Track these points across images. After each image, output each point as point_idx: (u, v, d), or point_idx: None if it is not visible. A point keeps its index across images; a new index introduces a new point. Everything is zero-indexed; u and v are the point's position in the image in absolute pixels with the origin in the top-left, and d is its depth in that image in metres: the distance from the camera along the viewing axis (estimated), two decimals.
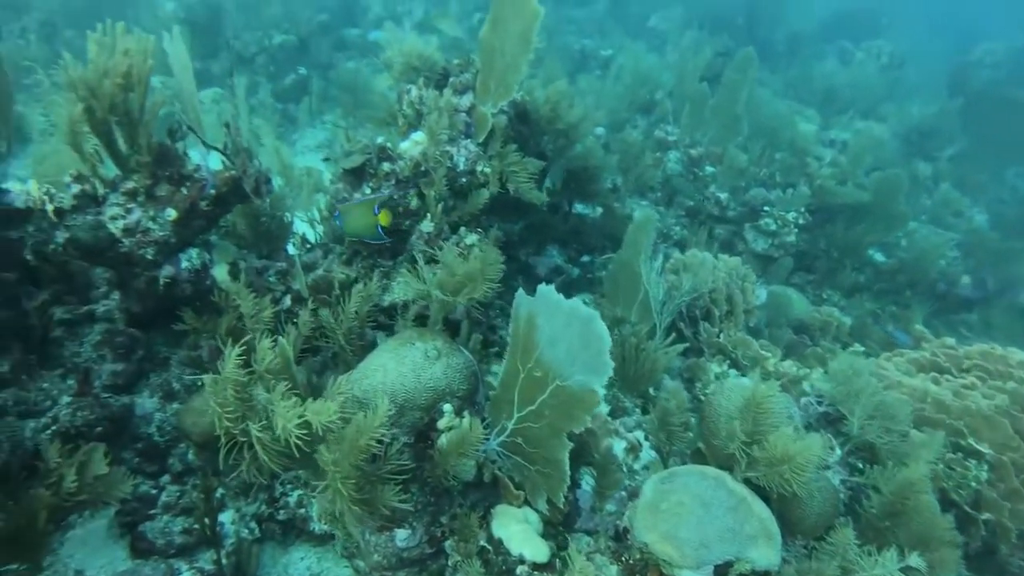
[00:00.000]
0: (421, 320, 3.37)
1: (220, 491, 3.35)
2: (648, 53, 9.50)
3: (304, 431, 2.05)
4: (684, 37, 8.31)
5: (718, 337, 4.47)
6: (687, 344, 4.26)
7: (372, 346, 3.23)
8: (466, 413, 2.68)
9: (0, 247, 2.80)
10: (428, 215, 3.50)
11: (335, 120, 8.07)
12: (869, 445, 3.17)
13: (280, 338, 2.55)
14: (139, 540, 3.10)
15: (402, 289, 3.56)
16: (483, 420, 2.82)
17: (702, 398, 4.01)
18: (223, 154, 2.98)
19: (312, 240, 4.18)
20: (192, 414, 3.15)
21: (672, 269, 4.70)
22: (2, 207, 2.79)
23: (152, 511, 3.23)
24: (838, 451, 3.16)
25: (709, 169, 6.42)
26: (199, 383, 3.48)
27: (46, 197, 3.44)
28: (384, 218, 3.32)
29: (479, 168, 3.66)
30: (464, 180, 3.65)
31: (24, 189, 3.39)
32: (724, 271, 4.73)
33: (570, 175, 4.81)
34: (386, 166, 3.48)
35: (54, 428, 3.01)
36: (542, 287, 2.48)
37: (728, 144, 6.57)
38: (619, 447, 3.44)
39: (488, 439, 2.80)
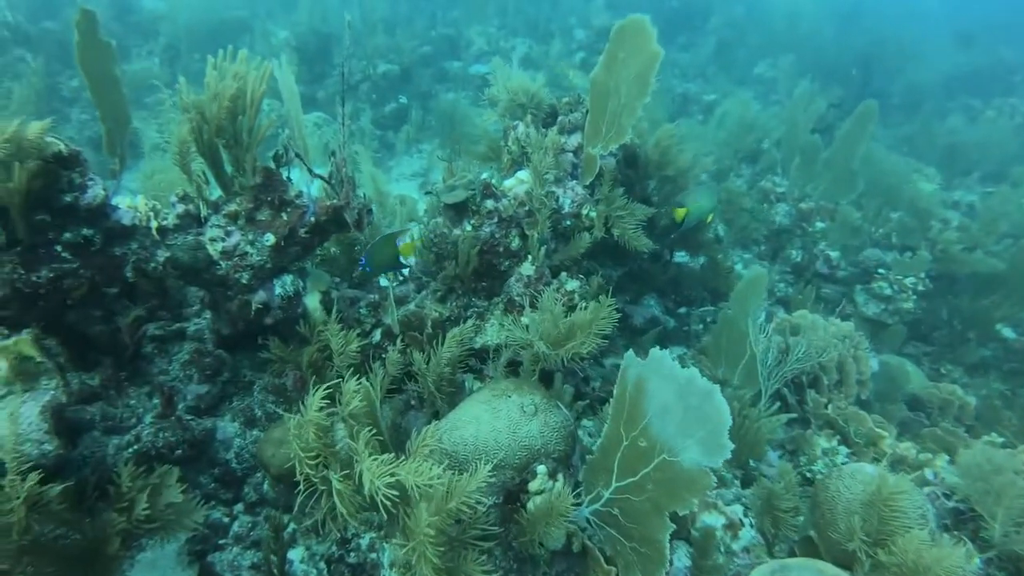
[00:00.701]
0: (513, 366, 3.21)
1: (291, 527, 3.24)
2: (753, 101, 9.20)
3: (394, 491, 1.89)
4: (796, 86, 7.98)
5: (826, 408, 4.11)
6: (794, 415, 3.93)
7: (461, 390, 3.08)
8: (560, 476, 2.47)
9: (104, 263, 2.79)
10: (529, 257, 3.35)
11: (439, 154, 8.12)
12: (1016, 557, 2.77)
13: (365, 381, 2.42)
14: (207, 570, 3.00)
15: (496, 332, 3.41)
16: (576, 484, 2.60)
17: (810, 476, 3.67)
18: (327, 183, 2.92)
19: (405, 272, 4.11)
20: (271, 445, 3.06)
21: (778, 329, 4.38)
22: (110, 224, 2.80)
23: (223, 540, 3.14)
24: (977, 560, 2.77)
25: (819, 225, 6.06)
26: (280, 412, 3.42)
27: (151, 214, 3.48)
28: (407, 249, 3.38)
29: (584, 211, 3.49)
30: (568, 223, 3.49)
31: (132, 205, 3.44)
32: (836, 336, 4.38)
33: (674, 224, 4.59)
34: (489, 203, 3.36)
35: (136, 447, 2.97)
36: (656, 352, 2.27)
37: (841, 199, 6.20)
38: (717, 522, 3.16)
39: (580, 505, 2.58)
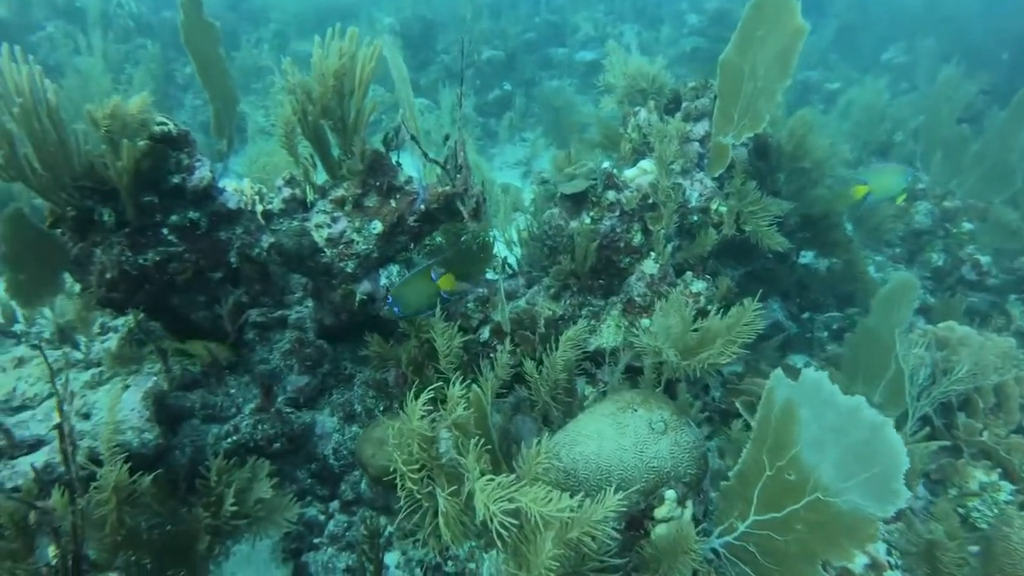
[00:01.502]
0: (630, 372, 2.95)
1: (388, 529, 3.10)
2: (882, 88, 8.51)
3: (512, 519, 1.67)
4: (937, 72, 7.28)
5: (982, 435, 3.64)
6: (946, 443, 3.48)
7: (576, 398, 2.84)
8: (689, 503, 2.20)
9: (209, 247, 2.71)
10: (652, 254, 3.07)
11: (544, 141, 7.90)
12: None
13: (476, 388, 2.22)
14: (301, 571, 2.90)
15: (612, 334, 3.16)
16: (706, 510, 2.33)
17: (965, 514, 3.23)
18: (443, 168, 2.73)
19: (513, 265, 3.90)
20: (371, 445, 2.92)
21: (921, 342, 3.92)
22: (216, 207, 2.71)
23: (318, 540, 3.03)
24: None
25: (967, 226, 5.45)
26: (381, 409, 3.28)
27: (257, 197, 3.40)
28: (446, 283, 2.82)
29: (714, 206, 3.18)
30: (695, 218, 3.18)
31: (238, 188, 3.37)
32: (993, 353, 3.88)
33: (805, 221, 4.18)
34: (611, 195, 3.09)
35: (234, 439, 2.89)
36: (809, 373, 1.95)
37: (994, 197, 5.57)
38: (858, 562, 2.80)
39: (709, 535, 2.30)
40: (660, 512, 2.16)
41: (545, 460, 1.93)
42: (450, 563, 2.97)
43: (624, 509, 1.90)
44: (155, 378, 2.63)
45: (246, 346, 3.30)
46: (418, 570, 3.02)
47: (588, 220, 3.13)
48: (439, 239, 3.27)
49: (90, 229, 2.60)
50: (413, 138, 2.64)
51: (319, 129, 2.98)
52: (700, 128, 3.42)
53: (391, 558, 3.02)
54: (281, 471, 3.07)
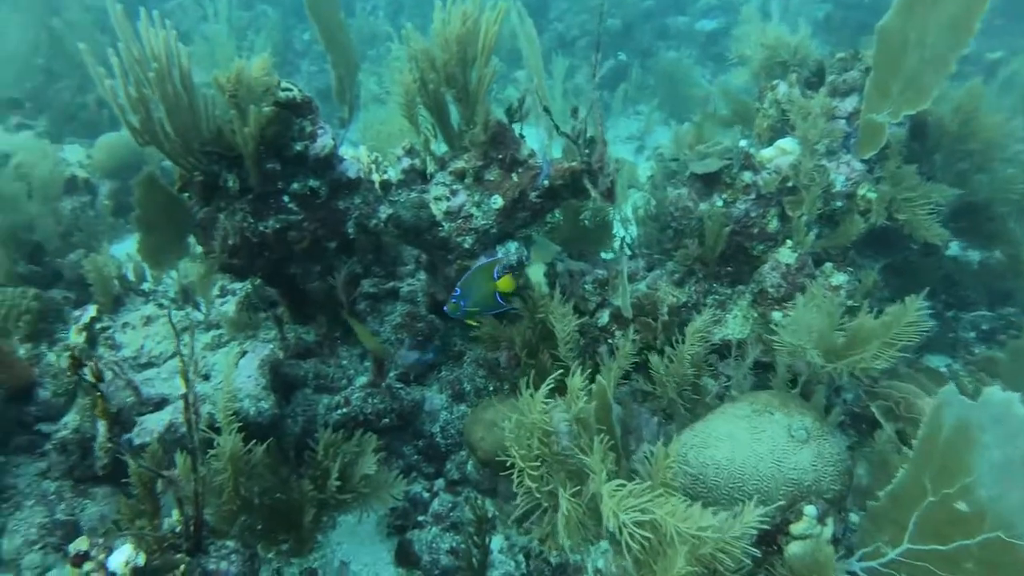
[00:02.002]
0: (759, 368, 2.74)
1: (492, 512, 3.04)
2: None
3: (644, 532, 1.53)
4: None
5: None
6: None
7: (703, 395, 2.66)
8: (830, 521, 2.00)
9: (327, 216, 2.68)
10: (789, 242, 2.83)
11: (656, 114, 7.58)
12: None
13: (601, 379, 2.08)
14: (405, 549, 2.88)
15: (739, 325, 2.95)
16: (845, 529, 2.12)
17: None
18: (574, 143, 2.58)
19: (630, 246, 3.72)
20: (481, 427, 2.85)
21: None
22: (335, 176, 2.67)
23: (422, 518, 3.00)
24: None
25: None
26: (491, 389, 3.21)
27: (373, 166, 3.37)
28: (505, 284, 2.63)
29: (861, 191, 2.89)
30: (839, 204, 2.91)
31: (355, 156, 3.34)
32: None
33: (961, 209, 3.78)
34: (747, 176, 2.86)
35: (345, 411, 2.88)
36: (994, 392, 1.71)
37: None
38: None
39: (849, 557, 2.09)
40: (797, 528, 1.97)
41: (674, 464, 1.79)
42: (555, 554, 2.88)
43: (766, 527, 1.73)
44: (271, 346, 2.65)
45: (358, 316, 3.29)
46: (521, 556, 2.95)
47: (720, 203, 2.92)
48: (559, 216, 3.13)
49: (215, 194, 2.62)
50: (546, 109, 2.50)
51: (440, 98, 2.89)
52: (848, 104, 3.11)
53: (495, 542, 2.96)
54: (388, 446, 3.06)
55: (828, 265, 2.87)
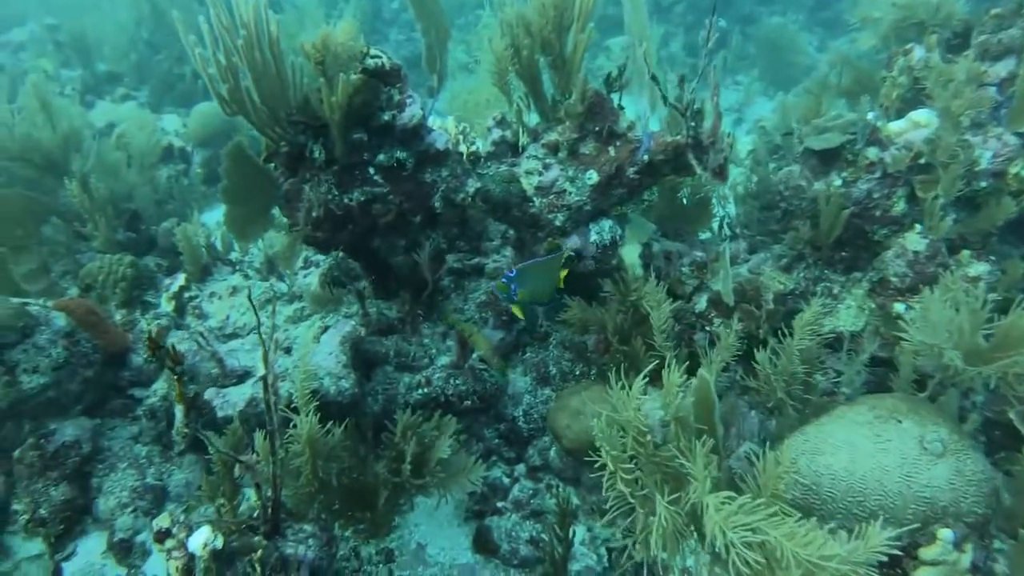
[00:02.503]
0: (874, 364, 2.50)
1: (575, 502, 2.92)
2: None
3: (754, 554, 1.36)
4: None
5: None
6: None
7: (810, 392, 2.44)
8: (969, 547, 1.77)
9: (413, 189, 2.58)
10: (917, 226, 2.55)
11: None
12: None
13: (705, 373, 1.90)
14: (484, 535, 2.79)
15: (853, 317, 2.70)
16: (987, 557, 1.88)
17: None
18: (681, 114, 2.38)
19: (730, 226, 3.49)
20: (566, 415, 2.71)
21: None
22: (423, 147, 2.56)
23: (501, 503, 2.91)
24: None
25: None
26: (577, 373, 3.06)
27: (460, 136, 3.25)
28: (561, 279, 2.44)
29: (1014, 170, 2.57)
30: (983, 184, 2.59)
31: (443, 126, 3.23)
32: None
33: None
34: (872, 152, 2.59)
35: (425, 391, 2.80)
36: None
37: None
38: None
39: None
40: (928, 553, 1.75)
41: (787, 475, 1.60)
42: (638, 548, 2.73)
43: (897, 553, 1.53)
44: (353, 322, 2.58)
45: (441, 293, 3.20)
46: (603, 549, 2.82)
47: (838, 182, 2.65)
48: (655, 193, 2.93)
49: (301, 165, 2.55)
50: (654, 77, 2.30)
51: (533, 65, 2.74)
52: (1002, 68, 2.78)
53: (577, 533, 2.84)
54: (469, 428, 2.97)
55: (966, 253, 2.57)
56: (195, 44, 2.06)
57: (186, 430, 2.14)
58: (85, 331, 2.90)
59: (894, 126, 2.70)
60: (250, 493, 2.09)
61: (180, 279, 3.15)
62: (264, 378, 1.71)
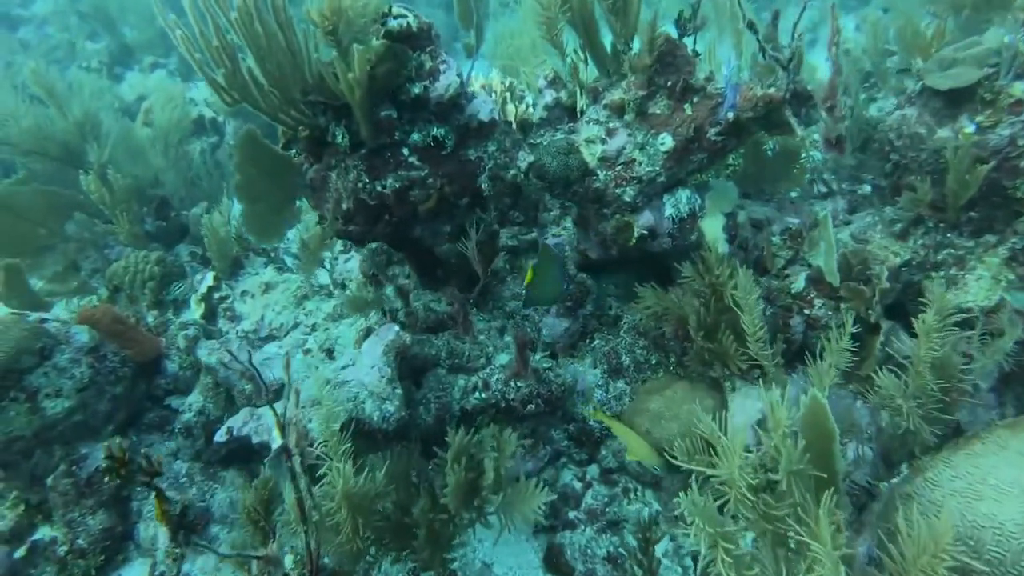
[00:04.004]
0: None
1: (656, 509, 2.64)
2: None
3: None
4: None
5: None
6: None
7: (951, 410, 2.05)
8: None
9: (456, 170, 2.24)
10: None
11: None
12: None
13: (815, 394, 1.54)
14: (556, 554, 2.53)
15: (984, 290, 2.28)
16: None
17: None
18: (783, 66, 1.96)
19: (822, 180, 3.05)
20: (646, 419, 2.41)
21: None
22: (464, 120, 2.20)
23: (574, 514, 2.64)
24: None
25: None
26: (653, 362, 2.73)
27: (507, 94, 2.87)
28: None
29: None
30: None
31: (487, 84, 2.86)
32: None
33: None
34: (1020, 87, 2.12)
35: (483, 396, 2.51)
36: None
37: None
38: None
39: None
40: None
41: (947, 556, 1.25)
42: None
43: None
44: (396, 328, 2.29)
45: (495, 276, 2.89)
46: (688, 560, 2.55)
47: (971, 128, 2.20)
48: (741, 157, 2.51)
49: (325, 150, 2.24)
50: (751, 25, 1.88)
51: (587, 8, 2.33)
52: None
53: (659, 545, 2.56)
54: (534, 431, 2.69)
55: None
56: (175, 24, 1.73)
57: (177, 551, 1.87)
58: (112, 342, 2.71)
59: None
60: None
61: (209, 278, 2.92)
62: (283, 447, 1.43)
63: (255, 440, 2.24)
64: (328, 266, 3.11)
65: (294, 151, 2.33)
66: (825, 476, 1.47)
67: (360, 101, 1.94)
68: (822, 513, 1.30)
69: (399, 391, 2.18)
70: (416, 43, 2.08)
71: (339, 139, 2.10)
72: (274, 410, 1.44)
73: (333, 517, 1.60)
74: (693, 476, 1.50)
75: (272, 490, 1.69)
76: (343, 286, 3.07)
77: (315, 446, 1.58)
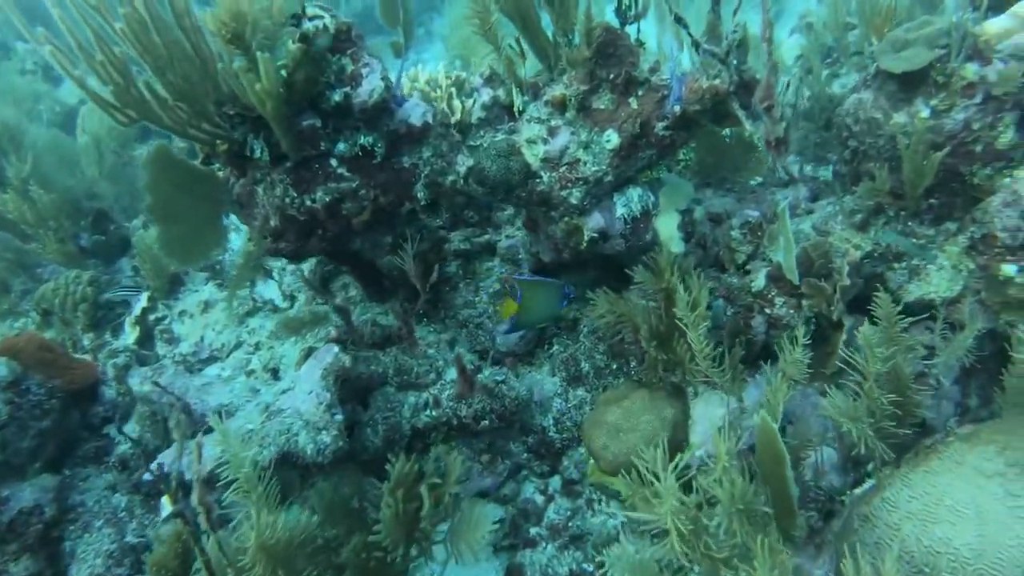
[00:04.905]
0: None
1: (619, 518, 2.57)
2: None
3: None
4: None
5: None
6: None
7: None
8: None
9: (389, 179, 2.13)
10: None
11: None
12: None
13: (764, 414, 1.46)
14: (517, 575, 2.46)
15: (947, 280, 2.22)
16: None
17: None
18: (720, 60, 1.86)
19: (787, 170, 2.97)
20: (604, 432, 2.32)
21: None
22: (394, 126, 2.09)
23: (535, 530, 2.56)
24: None
25: None
26: (613, 367, 2.64)
27: (453, 90, 2.75)
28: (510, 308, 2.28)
29: None
30: None
31: (428, 81, 2.75)
32: None
33: None
34: (971, 70, 2.04)
35: (433, 414, 2.42)
36: None
37: None
38: None
39: None
40: None
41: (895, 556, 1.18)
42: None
43: None
44: (336, 349, 2.18)
45: (447, 283, 2.79)
46: None
47: (926, 112, 2.12)
48: (692, 151, 2.41)
49: (248, 164, 2.12)
50: (678, 19, 1.78)
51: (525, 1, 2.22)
52: None
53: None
54: (491, 446, 2.61)
55: None
56: (46, 38, 1.60)
57: None
58: (39, 372, 2.58)
59: (992, 26, 2.13)
60: None
61: (143, 299, 2.79)
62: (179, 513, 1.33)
63: (187, 476, 2.13)
64: (276, 277, 3.00)
65: (216, 165, 2.20)
66: (776, 491, 1.40)
67: (274, 112, 1.82)
68: (760, 544, 1.23)
69: (339, 417, 2.07)
70: (336, 46, 1.96)
71: (258, 153, 1.98)
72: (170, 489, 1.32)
73: (249, 573, 1.50)
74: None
75: (185, 545, 1.59)
76: (292, 298, 2.96)
77: (226, 493, 1.48)
